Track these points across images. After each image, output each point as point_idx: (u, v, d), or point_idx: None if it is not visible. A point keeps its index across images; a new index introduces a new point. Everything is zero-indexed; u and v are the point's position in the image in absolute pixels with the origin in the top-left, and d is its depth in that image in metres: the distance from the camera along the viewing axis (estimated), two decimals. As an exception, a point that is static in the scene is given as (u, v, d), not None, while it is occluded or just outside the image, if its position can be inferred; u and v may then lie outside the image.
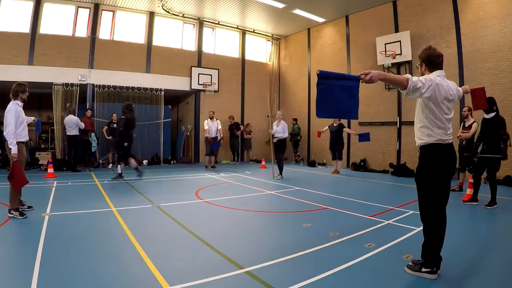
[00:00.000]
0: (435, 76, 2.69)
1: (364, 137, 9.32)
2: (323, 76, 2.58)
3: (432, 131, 2.68)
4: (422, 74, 2.82)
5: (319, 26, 13.28)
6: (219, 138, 11.00)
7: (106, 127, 10.63)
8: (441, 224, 2.76)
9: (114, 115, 10.66)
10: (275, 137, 8.67)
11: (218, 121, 11.10)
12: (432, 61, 2.77)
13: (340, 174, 9.85)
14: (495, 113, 5.51)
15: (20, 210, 4.53)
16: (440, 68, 2.78)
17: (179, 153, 13.23)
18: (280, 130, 8.69)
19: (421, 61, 2.84)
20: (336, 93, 2.60)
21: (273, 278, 2.69)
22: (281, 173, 8.82)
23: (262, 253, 3.32)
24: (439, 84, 2.64)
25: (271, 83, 15.26)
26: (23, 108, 4.77)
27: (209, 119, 10.80)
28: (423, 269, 2.73)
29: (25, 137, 4.69)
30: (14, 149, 4.43)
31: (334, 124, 10.04)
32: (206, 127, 10.75)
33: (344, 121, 11.01)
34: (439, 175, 2.71)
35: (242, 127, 13.42)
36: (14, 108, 4.54)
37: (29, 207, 4.85)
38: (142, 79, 11.86)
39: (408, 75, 2.61)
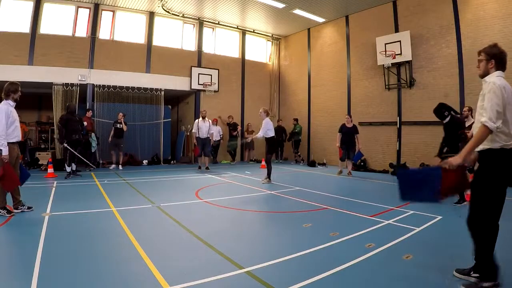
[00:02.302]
0: (498, 80, 2.50)
1: (358, 157, 9.76)
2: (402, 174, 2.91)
3: (498, 137, 2.48)
4: (486, 71, 2.65)
5: (319, 26, 13.28)
6: (211, 139, 10.75)
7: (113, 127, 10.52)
8: (493, 233, 2.56)
9: (120, 114, 10.52)
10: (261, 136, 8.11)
11: (210, 121, 10.96)
12: (503, 60, 2.61)
13: (342, 175, 9.79)
14: (449, 117, 5.78)
15: (7, 208, 4.55)
16: (505, 69, 2.62)
17: (179, 153, 13.22)
18: (260, 133, 8.02)
19: (489, 57, 2.61)
20: (417, 179, 2.83)
21: (273, 278, 2.69)
22: (268, 176, 8.01)
23: (262, 253, 3.33)
24: (505, 87, 2.47)
25: (271, 83, 15.27)
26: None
27: (200, 119, 10.53)
28: (473, 274, 2.65)
29: (16, 138, 4.55)
30: (5, 151, 4.29)
31: (347, 125, 9.50)
32: (194, 130, 10.47)
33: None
34: (499, 182, 2.51)
35: (239, 127, 13.40)
36: (5, 108, 4.41)
37: (29, 207, 4.82)
38: (142, 79, 11.85)
39: (483, 121, 2.43)
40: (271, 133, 8.05)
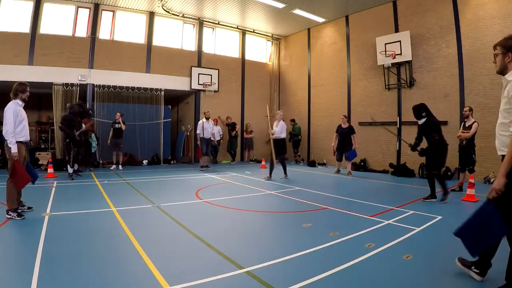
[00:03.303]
0: None
1: (351, 155, 9.63)
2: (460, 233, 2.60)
3: None
4: (504, 65, 2.50)
5: (319, 26, 13.28)
6: (212, 138, 10.91)
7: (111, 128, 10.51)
8: None
9: (118, 114, 10.52)
10: (274, 136, 8.58)
11: (212, 121, 11.02)
12: None
13: (340, 174, 9.85)
14: (425, 118, 5.87)
15: (18, 211, 4.49)
16: None
17: (179, 153, 13.23)
18: (278, 130, 8.56)
19: (506, 50, 2.47)
20: (477, 227, 2.49)
21: (273, 278, 2.69)
22: (285, 173, 8.75)
23: (262, 253, 3.32)
24: None
25: (271, 83, 15.27)
26: (24, 109, 4.69)
27: (204, 119, 10.64)
28: (474, 268, 2.68)
29: (24, 137, 4.58)
30: (13, 148, 4.35)
31: (343, 126, 9.70)
32: (198, 131, 10.55)
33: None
34: None
35: (237, 127, 13.40)
36: (13, 107, 4.47)
37: (29, 207, 4.81)
38: (142, 79, 11.85)
39: None
40: (285, 135, 8.86)
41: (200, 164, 10.75)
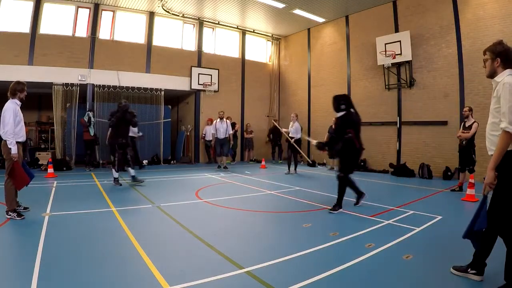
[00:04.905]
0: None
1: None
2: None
3: None
4: (493, 70, 2.56)
5: (319, 26, 13.28)
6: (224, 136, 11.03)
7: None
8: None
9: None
10: (291, 137, 9.43)
11: (228, 121, 11.05)
12: (509, 57, 2.49)
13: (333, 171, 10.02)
14: (344, 112, 5.10)
15: (18, 211, 4.48)
16: None
17: (179, 153, 13.22)
18: (293, 131, 9.37)
19: (494, 55, 2.53)
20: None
21: (273, 278, 2.69)
22: (295, 169, 9.86)
23: (262, 253, 3.32)
24: None
25: (271, 83, 15.27)
26: (22, 108, 4.60)
27: (218, 120, 10.67)
28: (470, 270, 2.71)
29: (22, 137, 4.53)
30: (14, 149, 4.29)
31: (334, 127, 10.11)
32: (212, 131, 10.67)
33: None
34: None
35: (237, 126, 13.38)
36: (12, 106, 4.39)
37: (25, 208, 4.76)
38: (142, 79, 11.85)
39: (503, 127, 2.33)
40: (300, 135, 9.61)
41: (223, 165, 10.66)
